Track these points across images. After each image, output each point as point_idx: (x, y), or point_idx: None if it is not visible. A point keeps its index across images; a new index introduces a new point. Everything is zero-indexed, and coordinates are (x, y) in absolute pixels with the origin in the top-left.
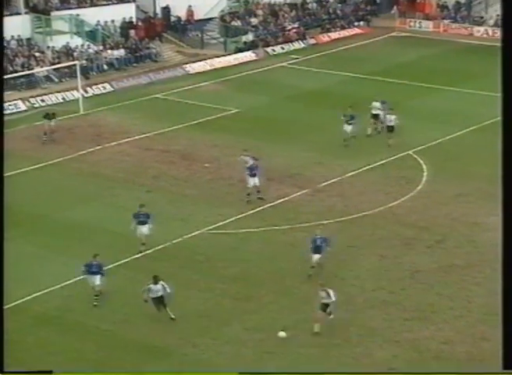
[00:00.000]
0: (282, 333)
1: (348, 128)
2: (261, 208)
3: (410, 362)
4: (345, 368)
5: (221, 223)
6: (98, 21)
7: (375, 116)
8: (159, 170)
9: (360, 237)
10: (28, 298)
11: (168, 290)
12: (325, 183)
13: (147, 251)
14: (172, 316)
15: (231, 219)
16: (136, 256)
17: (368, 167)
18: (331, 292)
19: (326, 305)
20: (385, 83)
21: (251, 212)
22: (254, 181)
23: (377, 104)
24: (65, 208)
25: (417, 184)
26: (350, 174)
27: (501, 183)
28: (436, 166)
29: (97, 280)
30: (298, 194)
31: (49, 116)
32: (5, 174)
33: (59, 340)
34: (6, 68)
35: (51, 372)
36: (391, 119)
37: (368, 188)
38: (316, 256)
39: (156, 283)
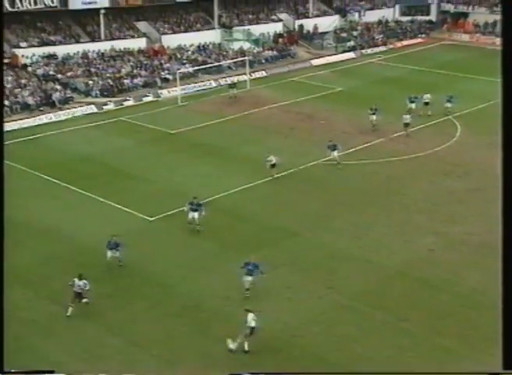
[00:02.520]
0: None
1: (373, 117)
2: (354, 149)
3: (443, 246)
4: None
5: (329, 158)
6: (264, 33)
7: (427, 104)
8: (294, 124)
9: (416, 169)
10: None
11: (87, 287)
12: (395, 135)
13: (283, 173)
14: (68, 314)
15: (335, 155)
16: (276, 176)
17: (422, 126)
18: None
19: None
20: (437, 74)
21: (349, 151)
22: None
23: (428, 95)
24: (236, 145)
25: (453, 137)
26: (411, 130)
27: (501, 183)
28: (467, 126)
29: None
30: (377, 141)
31: (232, 85)
32: (205, 124)
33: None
34: (206, 61)
35: (52, 372)
36: (428, 97)
37: (422, 139)
38: (248, 278)
39: (80, 279)
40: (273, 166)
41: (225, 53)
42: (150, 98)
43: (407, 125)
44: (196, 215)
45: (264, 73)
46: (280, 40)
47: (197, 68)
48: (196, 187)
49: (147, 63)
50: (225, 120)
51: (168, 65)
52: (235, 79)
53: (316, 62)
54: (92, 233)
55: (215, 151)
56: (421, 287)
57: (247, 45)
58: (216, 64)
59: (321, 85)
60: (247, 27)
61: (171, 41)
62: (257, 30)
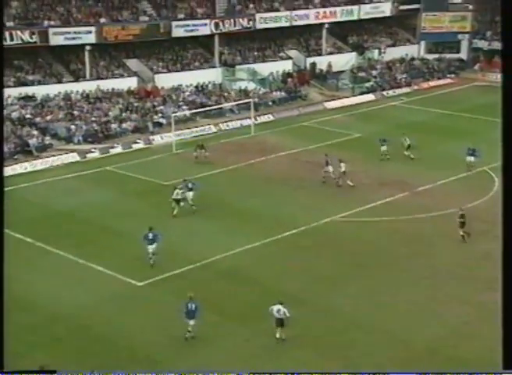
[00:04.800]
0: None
1: (383, 148)
2: (374, 204)
3: (479, 318)
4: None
5: (346, 213)
6: (271, 72)
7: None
8: (304, 175)
9: (446, 228)
10: (212, 259)
11: None
12: (421, 188)
13: (293, 231)
14: None
15: (353, 211)
16: (285, 234)
17: (453, 178)
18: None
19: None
20: (468, 118)
21: (368, 206)
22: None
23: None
24: (239, 198)
25: (489, 191)
26: (440, 182)
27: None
28: None
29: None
30: (401, 195)
31: (200, 145)
32: (203, 175)
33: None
34: (205, 103)
35: (54, 372)
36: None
37: (452, 193)
38: (191, 322)
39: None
40: None
41: (226, 94)
42: (140, 145)
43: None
44: (153, 246)
45: (270, 117)
46: (289, 80)
47: (194, 111)
48: (192, 247)
49: (138, 106)
50: (227, 170)
51: (161, 107)
52: (234, 127)
53: (330, 104)
54: (71, 301)
55: (214, 205)
56: (455, 368)
57: (251, 86)
58: (217, 107)
59: (335, 131)
60: (251, 66)
61: (165, 80)
62: (264, 68)
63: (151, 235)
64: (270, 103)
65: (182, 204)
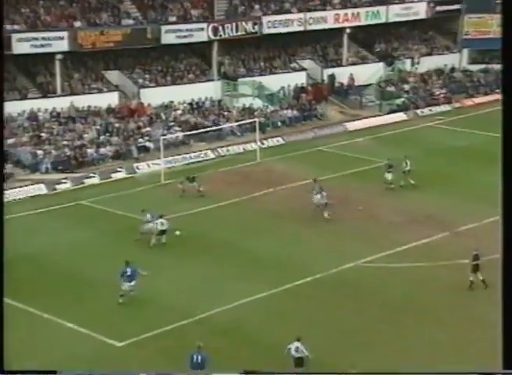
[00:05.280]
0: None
1: (388, 176)
2: (406, 246)
3: None
4: None
5: (372, 257)
6: (282, 87)
7: None
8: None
9: (495, 277)
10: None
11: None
12: (464, 228)
13: (307, 279)
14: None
15: (380, 255)
16: (296, 283)
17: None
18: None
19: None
20: None
21: (398, 249)
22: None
23: None
24: (241, 238)
25: None
26: (486, 221)
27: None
28: None
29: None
30: (439, 235)
31: (191, 179)
32: (198, 210)
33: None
34: (201, 123)
35: (55, 372)
36: None
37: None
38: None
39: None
40: None
41: (227, 113)
42: (122, 175)
43: None
44: (132, 284)
45: (280, 141)
46: (303, 95)
47: (188, 133)
48: (185, 297)
49: (120, 127)
50: (227, 205)
51: (148, 129)
52: (236, 152)
53: (352, 125)
54: (33, 367)
55: (212, 246)
56: None
57: (257, 103)
58: (215, 128)
59: (359, 157)
60: (257, 79)
61: (153, 96)
62: (272, 82)
63: (129, 271)
64: (279, 124)
65: (177, 232)
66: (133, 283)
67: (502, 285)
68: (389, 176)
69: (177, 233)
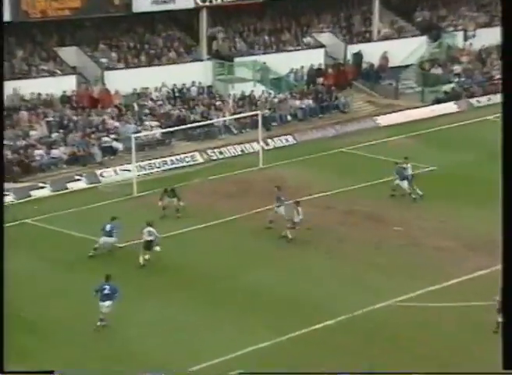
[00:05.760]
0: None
1: (403, 183)
2: (458, 279)
3: None
4: None
5: (411, 295)
6: (292, 69)
7: None
8: (343, 232)
9: None
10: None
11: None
12: None
13: (327, 322)
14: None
15: (422, 291)
16: (313, 328)
17: None
18: None
19: None
20: None
21: (450, 282)
22: None
23: None
24: (237, 270)
25: None
26: None
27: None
28: None
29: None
30: (499, 267)
31: (170, 192)
32: (180, 231)
33: None
34: (186, 116)
35: (52, 372)
36: None
37: None
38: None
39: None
40: None
41: (220, 104)
42: (81, 185)
43: None
44: (108, 304)
45: (290, 140)
46: (320, 80)
47: (169, 130)
48: (164, 351)
49: (79, 121)
50: (220, 224)
51: (116, 124)
52: (232, 155)
53: (385, 119)
54: None
55: (198, 280)
56: None
57: (259, 90)
58: (204, 123)
59: (392, 161)
60: (259, 58)
61: (122, 81)
62: (279, 62)
63: (107, 288)
64: (289, 118)
65: (158, 248)
66: (109, 303)
67: (502, 285)
68: (404, 184)
69: (157, 249)
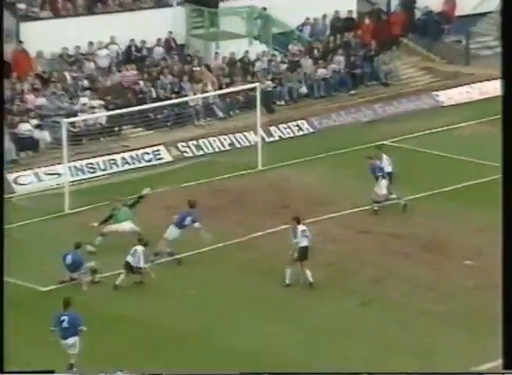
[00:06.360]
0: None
1: (382, 184)
2: None
3: None
4: None
5: (486, 365)
6: (307, 19)
7: None
8: (383, 267)
9: None
10: None
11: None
12: None
13: None
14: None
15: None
16: None
17: None
18: None
19: None
20: None
21: None
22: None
23: None
24: (218, 326)
25: None
26: None
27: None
28: None
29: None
30: None
31: (135, 201)
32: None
33: None
34: (146, 93)
35: (52, 372)
36: None
37: None
38: None
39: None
40: None
41: (197, 71)
42: None
43: None
44: (72, 341)
45: (304, 127)
46: (351, 35)
47: (119, 112)
48: None
49: None
50: (195, 256)
51: (39, 102)
52: (215, 151)
53: (450, 95)
54: None
55: (161, 342)
56: None
57: (257, 50)
58: (174, 101)
59: (462, 160)
60: (258, 3)
61: (48, 35)
62: (287, 8)
63: (66, 319)
64: (302, 92)
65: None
66: (72, 339)
67: (502, 285)
68: (382, 186)
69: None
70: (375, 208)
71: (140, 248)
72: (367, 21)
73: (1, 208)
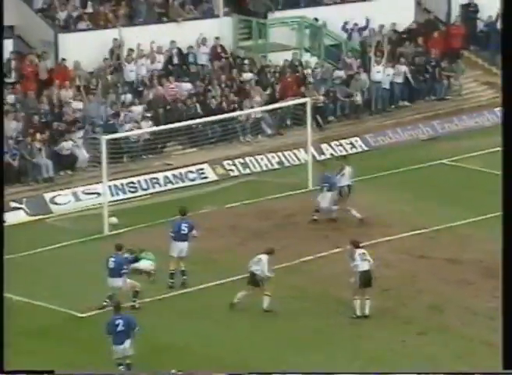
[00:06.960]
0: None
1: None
2: None
3: None
4: None
5: None
6: (360, 28)
7: None
8: (443, 296)
9: None
10: None
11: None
12: None
13: None
14: None
15: None
16: None
17: None
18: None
19: None
20: None
21: None
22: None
23: None
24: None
25: None
26: None
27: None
28: None
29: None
30: None
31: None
32: (177, 293)
33: None
34: (191, 107)
35: (52, 372)
36: None
37: None
38: None
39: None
40: None
41: (245, 82)
42: (20, 215)
43: None
44: (127, 345)
45: (357, 144)
46: (409, 47)
47: (162, 128)
48: None
49: (20, 110)
50: (241, 281)
51: (79, 114)
52: (262, 170)
53: None
54: None
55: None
56: None
57: (308, 62)
58: (220, 117)
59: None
60: (308, 11)
61: (87, 48)
62: (340, 18)
63: (120, 322)
64: (357, 102)
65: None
66: (128, 342)
67: (502, 285)
68: (326, 199)
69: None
70: (314, 217)
71: (264, 257)
72: (425, 31)
73: (1, 208)
